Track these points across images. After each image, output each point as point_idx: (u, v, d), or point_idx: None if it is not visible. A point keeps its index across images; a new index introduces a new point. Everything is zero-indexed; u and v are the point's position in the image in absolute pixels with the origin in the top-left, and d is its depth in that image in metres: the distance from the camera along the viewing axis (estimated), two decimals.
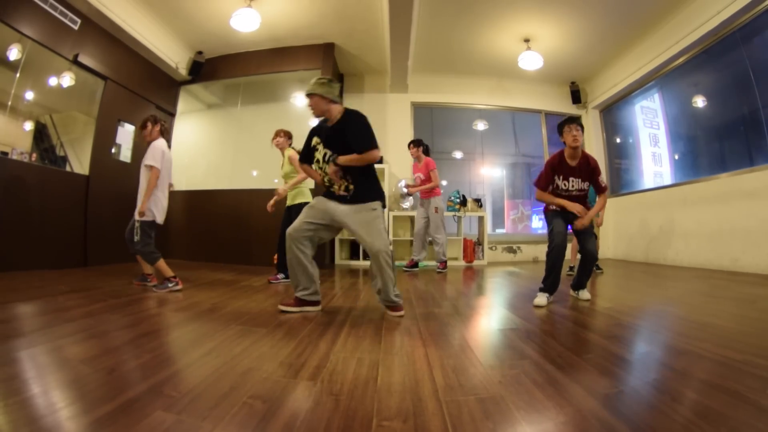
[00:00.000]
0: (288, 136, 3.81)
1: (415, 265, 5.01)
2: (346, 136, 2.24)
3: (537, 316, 2.28)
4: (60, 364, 1.37)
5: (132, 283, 3.21)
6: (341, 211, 2.29)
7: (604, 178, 2.71)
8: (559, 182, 2.65)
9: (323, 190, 2.43)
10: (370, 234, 2.24)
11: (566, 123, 2.64)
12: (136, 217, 3.04)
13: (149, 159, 3.09)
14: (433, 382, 1.23)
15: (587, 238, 2.64)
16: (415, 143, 5.01)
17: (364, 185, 2.30)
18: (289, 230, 2.31)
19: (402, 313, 2.30)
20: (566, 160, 2.62)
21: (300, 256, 2.30)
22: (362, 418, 0.99)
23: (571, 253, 4.69)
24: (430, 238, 5.01)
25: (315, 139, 2.39)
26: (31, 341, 1.59)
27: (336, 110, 2.31)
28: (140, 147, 5.31)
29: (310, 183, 3.53)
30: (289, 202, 3.74)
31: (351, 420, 0.98)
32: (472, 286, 3.78)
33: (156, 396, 1.09)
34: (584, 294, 2.75)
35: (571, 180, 2.62)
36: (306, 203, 3.53)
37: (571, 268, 4.44)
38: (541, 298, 2.57)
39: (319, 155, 2.35)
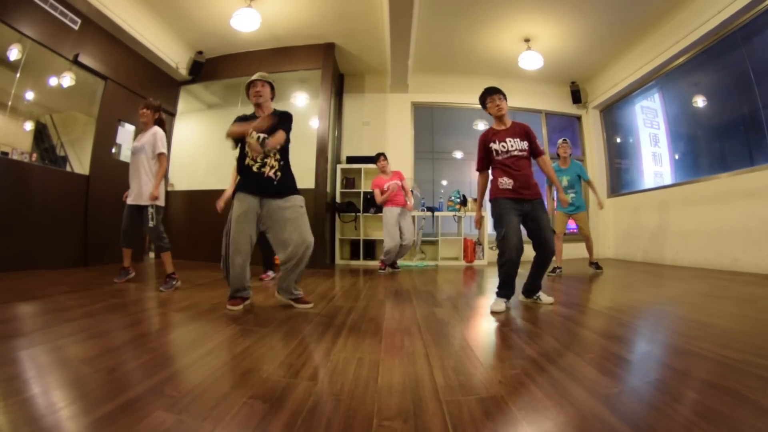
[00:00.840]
0: None
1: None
2: (276, 123, 2.43)
3: (537, 315, 2.28)
4: (60, 364, 1.37)
5: (115, 283, 3.22)
6: (269, 206, 2.40)
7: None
8: (497, 147, 2.48)
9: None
10: (299, 228, 2.38)
11: (487, 95, 2.54)
12: (149, 201, 3.13)
13: (162, 147, 3.22)
14: (434, 382, 1.23)
15: (543, 228, 2.43)
16: (384, 156, 4.98)
17: (289, 176, 2.50)
18: (234, 243, 2.36)
19: (311, 305, 2.47)
20: (496, 128, 2.56)
21: (246, 267, 2.41)
22: (363, 418, 0.99)
23: (557, 254, 4.38)
24: (406, 242, 4.89)
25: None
26: (31, 341, 1.59)
27: (270, 106, 2.56)
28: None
29: None
30: None
31: (351, 420, 0.98)
32: (473, 286, 3.78)
33: (156, 396, 1.09)
34: (545, 298, 2.55)
35: (508, 140, 2.46)
36: None
37: (554, 270, 4.24)
38: (500, 304, 2.37)
39: (251, 139, 2.39)
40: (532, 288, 2.61)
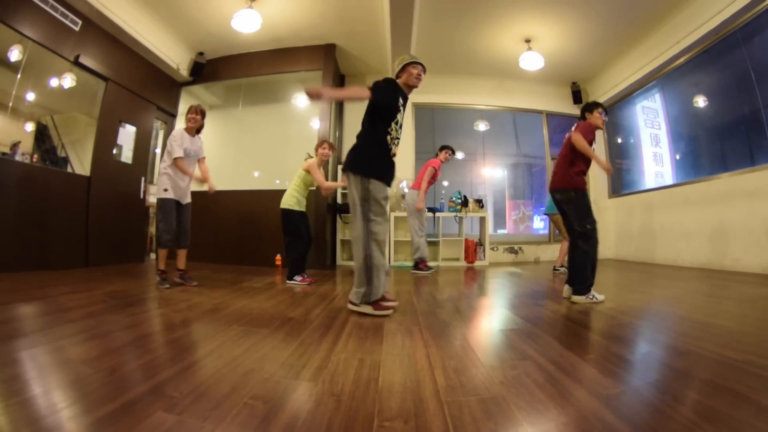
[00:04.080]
0: (333, 147, 3.85)
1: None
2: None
3: (539, 316, 2.28)
4: (61, 364, 1.37)
5: (183, 285, 3.38)
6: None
7: None
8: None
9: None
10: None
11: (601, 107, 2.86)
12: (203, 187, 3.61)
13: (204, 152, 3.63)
14: (435, 383, 1.23)
15: None
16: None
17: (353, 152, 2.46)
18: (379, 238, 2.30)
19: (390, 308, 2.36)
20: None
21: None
22: (363, 418, 0.99)
23: (561, 253, 4.61)
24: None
25: (400, 101, 2.42)
26: (32, 342, 1.59)
27: None
28: (142, 148, 5.36)
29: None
30: (299, 207, 3.72)
31: (352, 420, 0.98)
32: (474, 287, 3.77)
33: (157, 396, 1.09)
34: (599, 296, 2.61)
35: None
36: (303, 212, 3.69)
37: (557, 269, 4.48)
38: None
39: (400, 117, 2.42)
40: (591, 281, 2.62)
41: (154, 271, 4.02)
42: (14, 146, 4.36)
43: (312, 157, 3.79)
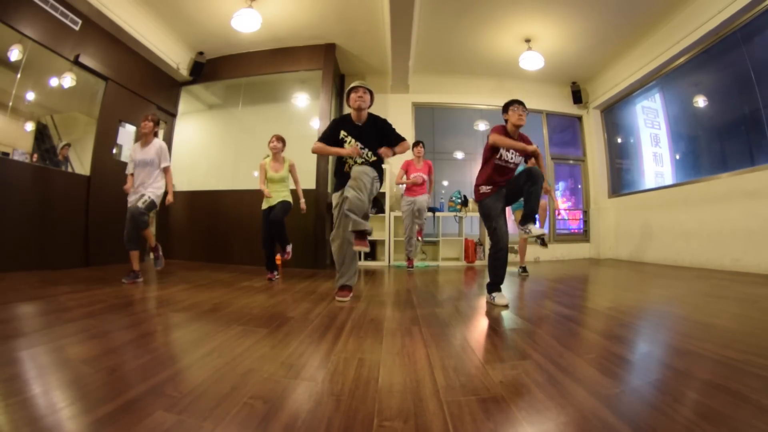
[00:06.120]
0: (284, 142, 3.94)
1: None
2: (379, 133, 2.76)
3: (539, 316, 2.28)
4: (61, 364, 1.37)
5: (123, 283, 3.28)
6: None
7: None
8: (504, 152, 2.66)
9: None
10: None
11: (515, 103, 2.85)
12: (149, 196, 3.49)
13: (167, 160, 3.58)
14: (434, 383, 1.23)
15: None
16: (423, 144, 5.22)
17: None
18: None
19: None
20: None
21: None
22: (363, 418, 0.99)
23: (521, 253, 4.55)
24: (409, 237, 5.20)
25: (342, 132, 2.72)
26: (32, 341, 1.59)
27: (367, 113, 2.78)
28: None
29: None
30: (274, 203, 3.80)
31: (352, 420, 0.98)
32: (473, 287, 3.77)
33: (157, 396, 1.09)
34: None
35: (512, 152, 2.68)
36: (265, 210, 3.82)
37: (524, 269, 4.43)
38: (502, 297, 2.54)
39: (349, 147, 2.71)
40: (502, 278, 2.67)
41: (154, 271, 4.05)
42: (64, 148, 4.49)
43: (268, 156, 3.91)
